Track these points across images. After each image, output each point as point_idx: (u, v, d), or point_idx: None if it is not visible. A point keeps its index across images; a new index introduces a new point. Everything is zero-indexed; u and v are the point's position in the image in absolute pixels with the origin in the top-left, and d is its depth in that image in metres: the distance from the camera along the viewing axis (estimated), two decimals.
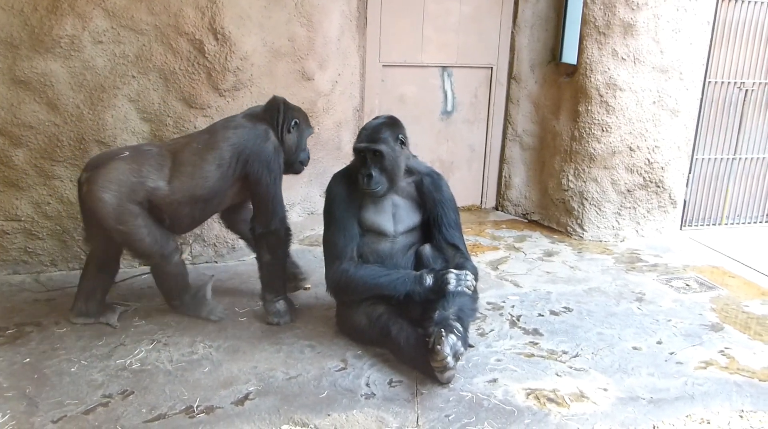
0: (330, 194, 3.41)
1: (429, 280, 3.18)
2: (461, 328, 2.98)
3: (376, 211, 3.36)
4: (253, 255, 4.46)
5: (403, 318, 3.24)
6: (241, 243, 4.43)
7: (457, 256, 3.38)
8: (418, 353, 3.03)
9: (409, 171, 3.43)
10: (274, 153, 3.52)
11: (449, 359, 2.85)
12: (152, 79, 4.01)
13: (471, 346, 3.30)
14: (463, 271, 3.17)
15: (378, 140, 3.21)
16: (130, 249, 3.46)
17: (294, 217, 4.83)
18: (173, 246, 3.48)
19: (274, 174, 3.51)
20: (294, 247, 4.67)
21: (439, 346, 2.84)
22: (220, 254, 4.44)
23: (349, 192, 3.33)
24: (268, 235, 3.56)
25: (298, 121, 3.63)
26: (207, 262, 4.42)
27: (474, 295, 3.27)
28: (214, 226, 4.36)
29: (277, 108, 3.59)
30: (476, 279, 3.29)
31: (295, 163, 3.71)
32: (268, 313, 3.63)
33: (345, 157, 4.83)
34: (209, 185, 3.43)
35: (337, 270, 3.30)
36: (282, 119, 3.58)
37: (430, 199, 3.40)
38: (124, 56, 3.93)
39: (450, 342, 2.86)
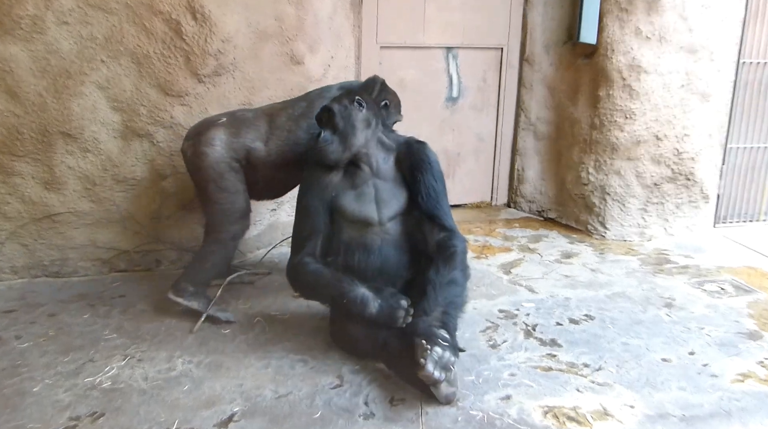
0: (304, 178, 3.44)
1: (374, 306, 3.13)
2: (447, 335, 2.95)
3: (357, 198, 3.33)
4: (237, 260, 4.46)
5: (400, 328, 3.20)
6: None
7: (436, 231, 3.30)
8: (412, 365, 2.99)
9: (385, 146, 3.43)
10: None
11: (436, 374, 2.81)
12: (124, 63, 3.98)
13: (461, 350, 3.26)
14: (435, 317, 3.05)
15: (333, 101, 3.32)
16: (218, 204, 3.70)
17: (283, 216, 4.81)
18: (246, 226, 3.81)
19: None
20: (282, 250, 4.66)
21: (422, 360, 2.81)
22: None
23: (323, 178, 3.33)
24: None
25: (388, 102, 3.89)
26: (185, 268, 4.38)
27: (464, 274, 3.23)
28: (194, 229, 4.33)
29: (374, 86, 3.89)
30: (465, 252, 3.27)
31: None
32: None
33: None
34: (300, 151, 3.76)
35: (293, 262, 3.34)
36: (375, 97, 3.85)
37: (407, 167, 3.36)
38: (92, 38, 3.90)
39: (435, 356, 2.82)
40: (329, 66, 4.83)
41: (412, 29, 5.43)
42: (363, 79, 5.26)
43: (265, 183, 3.87)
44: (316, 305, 3.91)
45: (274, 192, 4.08)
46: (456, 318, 3.14)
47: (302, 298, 3.61)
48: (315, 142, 3.30)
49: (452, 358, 2.89)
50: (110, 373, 3.19)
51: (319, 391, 3.10)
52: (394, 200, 3.38)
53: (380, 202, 3.36)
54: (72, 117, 3.97)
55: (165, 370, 3.23)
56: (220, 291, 3.87)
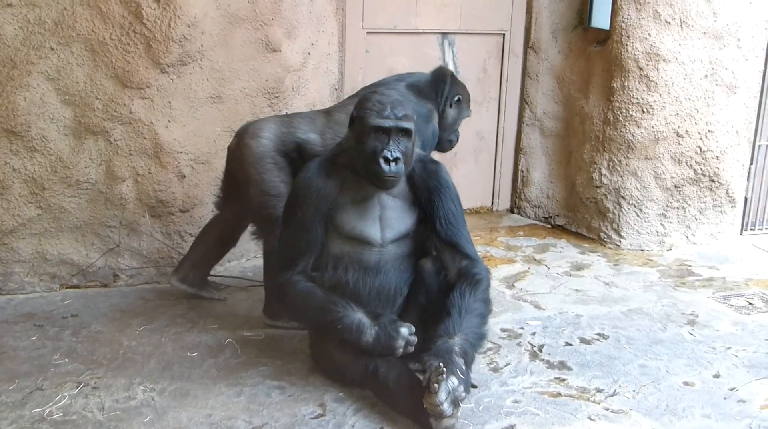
0: (296, 187, 3.40)
1: (370, 334, 3.16)
2: (464, 367, 2.97)
3: (358, 214, 3.33)
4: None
5: None
6: None
7: (457, 259, 3.34)
8: (410, 397, 3.00)
9: None
10: (432, 138, 4.06)
11: (445, 406, 2.83)
12: (76, 51, 3.99)
13: (474, 386, 3.29)
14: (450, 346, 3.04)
15: (405, 118, 3.22)
16: (261, 207, 3.80)
17: None
18: None
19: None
20: (256, 263, 4.67)
21: (436, 385, 2.82)
22: (164, 273, 4.41)
23: (324, 186, 3.31)
24: None
25: (461, 97, 4.19)
26: (147, 283, 4.40)
27: (487, 307, 3.27)
28: (156, 238, 4.33)
29: (444, 80, 4.15)
30: (490, 285, 3.32)
31: (444, 141, 4.27)
32: None
33: None
34: None
35: (284, 279, 3.34)
36: (448, 92, 4.13)
37: (424, 190, 3.37)
38: (39, 23, 3.90)
39: (449, 386, 2.84)
40: (309, 54, 4.85)
41: (402, 12, 5.46)
42: (347, 69, 5.31)
43: None
44: (294, 325, 3.93)
45: None
46: (476, 350, 3.17)
47: (288, 318, 3.63)
48: (390, 167, 3.17)
49: (463, 394, 2.91)
50: (61, 403, 3.17)
51: (298, 421, 3.10)
52: (401, 222, 3.38)
53: (384, 222, 3.36)
54: (17, 112, 3.97)
55: (123, 399, 3.22)
56: None
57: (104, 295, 4.24)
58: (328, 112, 4.03)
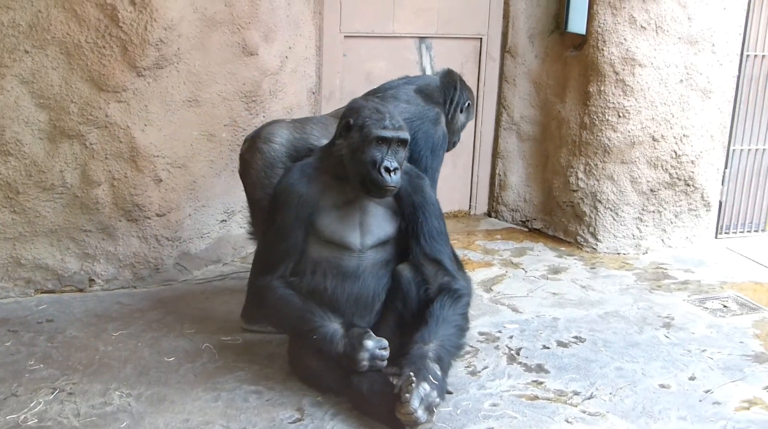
0: (277, 191, 3.40)
1: (340, 345, 3.16)
2: (439, 373, 2.98)
3: (339, 219, 3.34)
4: (182, 278, 4.47)
5: None
6: (167, 263, 4.41)
7: (439, 275, 3.37)
8: (384, 404, 3.01)
9: None
10: (442, 139, 4.09)
11: (419, 413, 2.84)
12: (51, 54, 3.96)
13: (449, 392, 3.31)
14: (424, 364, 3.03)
15: (403, 128, 3.27)
16: (263, 207, 3.70)
17: (234, 229, 4.81)
18: None
19: (438, 160, 4.07)
20: (234, 267, 4.67)
21: (407, 395, 2.83)
22: (140, 277, 4.39)
23: (306, 192, 3.31)
24: None
25: (471, 102, 4.28)
26: (123, 288, 4.37)
27: (466, 322, 3.30)
28: (132, 243, 4.31)
29: (454, 85, 4.20)
30: (470, 303, 3.36)
31: (449, 143, 4.28)
32: None
33: None
34: None
35: (262, 284, 3.35)
36: (458, 97, 4.19)
37: (408, 203, 3.40)
38: (13, 25, 3.88)
39: (421, 392, 2.85)
40: (287, 57, 4.85)
41: (380, 16, 5.47)
42: (324, 73, 5.32)
43: None
44: (272, 330, 3.93)
45: None
46: (452, 357, 3.18)
47: (266, 323, 3.62)
48: (389, 177, 3.18)
49: (437, 400, 2.92)
50: (36, 409, 3.15)
51: (276, 426, 3.10)
52: (381, 229, 3.40)
53: (365, 228, 3.37)
54: None
55: (100, 405, 3.20)
56: None
57: (80, 300, 4.22)
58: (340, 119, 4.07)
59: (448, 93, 4.20)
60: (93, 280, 4.33)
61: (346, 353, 3.14)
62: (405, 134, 3.25)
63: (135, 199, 4.24)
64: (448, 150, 4.37)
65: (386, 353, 3.14)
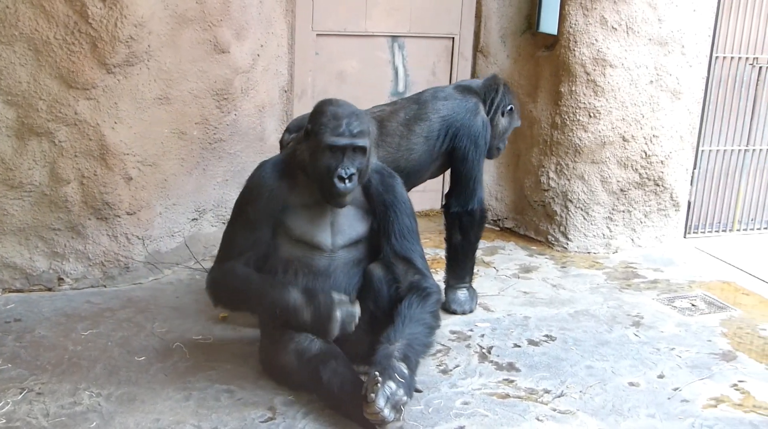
0: (250, 184, 3.39)
1: (306, 315, 3.19)
2: (406, 371, 2.99)
3: (309, 218, 3.35)
4: (153, 277, 4.45)
5: (341, 358, 3.26)
6: (137, 262, 4.39)
7: (410, 274, 3.39)
8: (356, 403, 3.00)
9: None
10: (483, 128, 4.13)
11: (385, 412, 2.85)
12: (18, 50, 3.93)
13: (418, 390, 3.33)
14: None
15: (360, 134, 3.20)
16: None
17: (205, 227, 4.80)
18: None
19: (480, 151, 4.12)
20: (206, 266, 4.64)
21: (373, 395, 2.84)
22: (110, 276, 4.37)
23: (278, 187, 3.31)
24: (464, 215, 4.17)
25: (513, 107, 4.29)
26: (93, 287, 4.34)
27: (435, 321, 3.31)
28: (102, 241, 4.29)
29: (496, 88, 4.23)
30: (440, 301, 3.38)
31: (492, 149, 4.36)
32: (447, 300, 4.17)
33: (270, 151, 4.82)
34: (415, 158, 4.07)
35: (222, 267, 3.35)
36: (499, 101, 4.22)
37: (379, 203, 3.41)
38: None
39: (387, 391, 2.86)
40: (258, 56, 4.84)
41: (352, 15, 5.48)
42: (296, 71, 5.32)
43: None
44: (243, 328, 3.93)
45: None
46: (419, 356, 3.19)
47: (226, 309, 3.58)
48: (344, 184, 3.17)
49: (405, 398, 2.93)
50: (4, 410, 3.12)
51: (248, 425, 3.10)
52: (352, 229, 3.41)
53: (336, 228, 3.38)
54: None
55: (69, 405, 3.19)
56: None
57: (48, 299, 4.18)
58: (380, 121, 4.10)
59: (488, 95, 4.24)
60: (62, 279, 4.30)
61: (314, 324, 3.19)
62: (362, 141, 3.19)
63: (105, 197, 4.22)
64: (493, 157, 4.49)
65: (354, 315, 3.20)
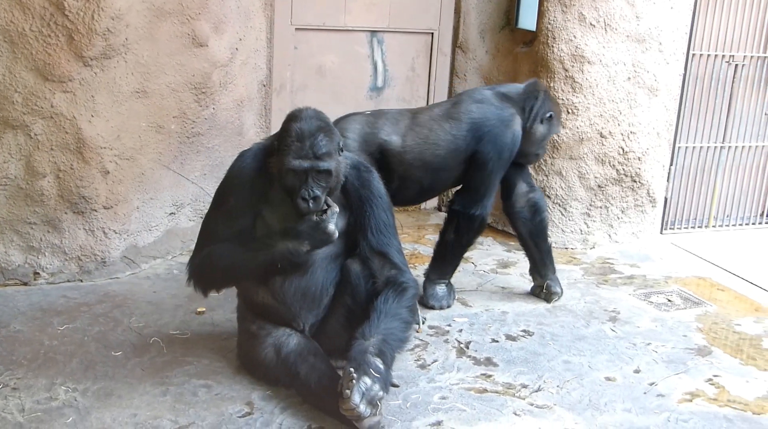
0: (230, 175, 3.38)
1: (305, 246, 3.18)
2: (381, 367, 2.99)
3: (288, 212, 3.34)
4: (130, 271, 4.43)
5: (318, 353, 3.27)
6: (114, 256, 4.37)
7: (386, 268, 3.39)
8: (332, 398, 3.01)
9: None
10: (511, 142, 4.12)
11: (361, 408, 2.84)
12: None
13: (395, 385, 3.34)
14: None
15: (325, 156, 3.16)
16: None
17: (183, 221, 4.78)
18: None
19: (503, 163, 4.13)
20: (183, 260, 4.63)
21: (348, 391, 2.84)
22: (87, 270, 4.34)
23: (257, 178, 3.30)
24: (464, 216, 4.16)
25: (553, 114, 4.26)
26: (69, 281, 4.32)
27: (412, 315, 3.31)
28: (79, 235, 4.26)
29: (536, 95, 4.23)
30: (417, 295, 3.36)
31: (530, 155, 4.37)
32: (426, 295, 4.21)
33: (248, 145, 4.79)
34: (439, 154, 4.10)
35: (201, 253, 3.34)
36: (538, 108, 4.21)
37: (356, 198, 3.41)
38: None
39: (362, 387, 2.86)
40: (237, 50, 4.83)
41: (331, 9, 5.47)
42: (275, 65, 5.31)
43: (401, 182, 4.13)
44: (221, 323, 3.93)
45: (410, 195, 4.31)
46: (395, 350, 3.19)
47: (212, 290, 3.46)
48: (308, 205, 3.16)
49: (380, 393, 2.93)
50: None
51: (225, 420, 3.10)
52: None
53: None
54: None
55: (45, 400, 3.17)
56: None
57: (24, 294, 4.15)
58: (414, 114, 4.22)
59: (528, 101, 4.22)
60: (38, 273, 4.27)
61: (315, 246, 3.20)
62: (325, 164, 3.15)
63: (81, 191, 4.19)
64: (530, 162, 4.50)
65: (336, 209, 3.21)
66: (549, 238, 4.49)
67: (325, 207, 3.19)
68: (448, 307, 4.27)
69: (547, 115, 4.25)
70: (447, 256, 4.30)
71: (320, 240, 3.18)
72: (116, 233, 4.37)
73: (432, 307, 4.22)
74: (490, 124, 4.10)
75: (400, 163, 4.11)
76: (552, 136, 4.47)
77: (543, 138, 4.33)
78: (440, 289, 4.28)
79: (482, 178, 4.13)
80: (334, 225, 3.17)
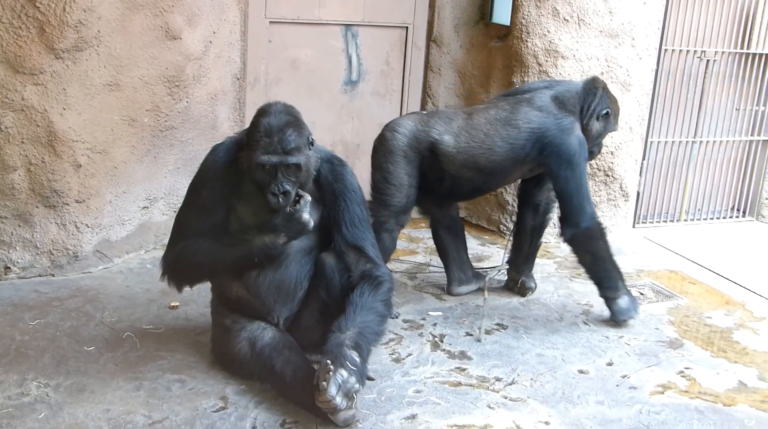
0: (203, 169, 3.36)
1: (281, 239, 3.19)
2: (357, 360, 3.00)
3: (261, 207, 3.33)
4: (102, 266, 4.40)
5: (293, 347, 3.27)
6: (86, 250, 4.34)
7: (361, 262, 3.40)
8: (308, 392, 3.01)
9: None
10: (579, 147, 4.04)
11: (337, 400, 2.86)
12: None
13: (371, 378, 3.35)
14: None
15: (293, 151, 3.16)
16: (379, 192, 4.11)
17: (156, 215, 4.75)
18: (407, 220, 4.20)
19: (579, 168, 4.03)
20: (156, 254, 4.61)
21: (324, 383, 2.85)
22: (58, 265, 4.31)
23: (231, 172, 3.29)
24: (581, 236, 4.08)
25: (609, 111, 4.20)
26: (41, 276, 4.28)
27: (387, 309, 3.31)
28: (50, 229, 4.22)
29: (595, 91, 4.17)
30: (392, 289, 3.36)
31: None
32: (614, 313, 4.16)
33: (222, 139, 4.77)
34: (494, 159, 4.05)
35: (175, 248, 3.32)
36: (596, 105, 4.15)
37: (329, 192, 3.40)
38: None
39: (338, 379, 2.87)
40: (211, 43, 4.80)
41: (306, 3, 5.45)
42: (249, 59, 5.28)
43: (453, 180, 4.13)
44: (195, 317, 3.91)
45: (462, 193, 4.31)
46: (371, 344, 3.19)
47: (186, 285, 3.45)
48: (278, 200, 3.15)
49: (357, 386, 2.93)
50: None
51: (199, 415, 3.09)
52: None
53: None
54: None
55: (16, 396, 3.14)
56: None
57: None
58: (469, 114, 4.15)
59: (587, 99, 4.16)
60: (9, 267, 4.23)
61: (291, 236, 3.20)
62: (294, 158, 3.15)
63: (53, 184, 4.15)
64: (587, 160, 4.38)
65: (308, 199, 3.21)
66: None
67: (297, 197, 3.19)
68: (637, 315, 4.18)
69: (604, 112, 4.18)
70: (602, 274, 4.15)
71: (296, 230, 3.18)
72: (88, 227, 4.33)
73: (624, 321, 4.15)
74: (551, 134, 4.01)
75: (451, 162, 4.07)
76: (608, 133, 4.39)
77: (598, 135, 4.26)
78: (622, 301, 4.15)
79: (567, 191, 4.04)
80: (308, 214, 3.17)
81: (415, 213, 5.85)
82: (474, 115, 4.14)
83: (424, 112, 4.25)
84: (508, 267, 4.59)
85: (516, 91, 4.34)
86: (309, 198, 3.21)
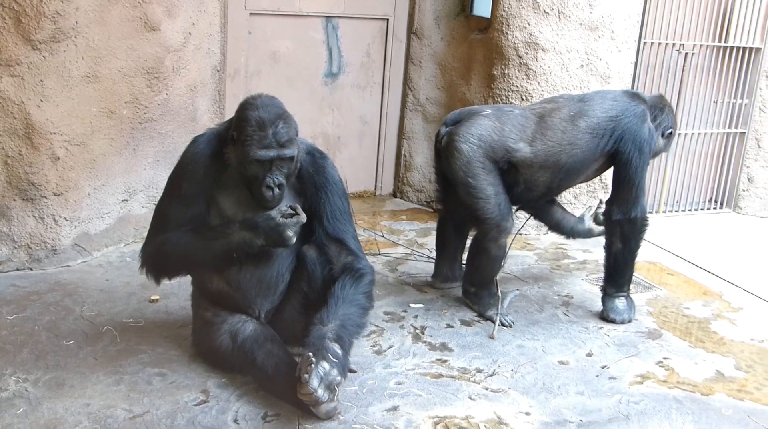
0: (184, 160, 3.33)
1: (260, 241, 3.16)
2: (339, 352, 3.00)
3: (242, 200, 3.31)
4: (81, 259, 4.37)
5: (275, 340, 3.26)
6: (65, 244, 4.30)
7: (343, 255, 3.39)
8: (290, 384, 3.00)
9: None
10: (649, 136, 4.05)
11: (319, 392, 2.86)
12: None
13: (353, 371, 3.35)
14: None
15: (288, 143, 3.16)
16: (469, 208, 4.01)
17: (135, 208, 4.72)
18: (510, 224, 4.05)
19: (645, 158, 4.04)
20: (135, 247, 4.58)
21: (306, 375, 2.85)
22: (36, 259, 4.27)
23: (211, 164, 3.27)
24: (626, 222, 4.08)
25: (672, 133, 4.24)
26: (18, 270, 4.24)
27: (369, 301, 3.31)
28: (28, 222, 4.18)
29: (662, 107, 4.18)
30: (374, 281, 3.36)
31: None
32: (606, 309, 4.16)
33: (202, 131, 4.74)
34: (577, 153, 4.01)
35: (155, 241, 3.30)
36: (662, 120, 4.17)
37: (311, 184, 3.40)
38: None
39: (320, 371, 2.87)
40: (190, 34, 4.77)
41: None
42: (229, 51, 5.26)
43: (526, 185, 4.08)
44: (175, 311, 3.89)
45: (535, 195, 4.21)
46: (353, 336, 3.19)
47: (166, 278, 3.41)
48: (273, 194, 3.16)
49: (338, 378, 2.93)
50: None
51: (181, 408, 3.08)
52: None
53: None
54: None
55: None
56: (507, 300, 4.25)
57: None
58: (541, 116, 4.05)
59: (653, 110, 4.15)
60: None
61: (270, 244, 3.18)
62: (289, 151, 3.16)
63: (30, 177, 4.11)
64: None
65: (302, 218, 3.18)
66: None
67: (293, 211, 3.17)
68: (629, 321, 4.15)
69: (668, 131, 4.21)
70: (620, 267, 4.15)
71: (275, 241, 3.16)
72: (67, 220, 4.30)
73: (613, 321, 4.12)
74: (627, 121, 4.01)
75: (528, 168, 4.01)
76: (661, 154, 4.41)
77: (658, 152, 4.29)
78: (620, 302, 4.16)
79: (630, 179, 4.03)
80: (294, 234, 3.15)
81: (393, 205, 5.88)
82: (546, 116, 4.05)
83: (488, 111, 4.08)
84: (518, 292, 4.50)
85: (580, 94, 4.28)
86: (303, 219, 3.18)
